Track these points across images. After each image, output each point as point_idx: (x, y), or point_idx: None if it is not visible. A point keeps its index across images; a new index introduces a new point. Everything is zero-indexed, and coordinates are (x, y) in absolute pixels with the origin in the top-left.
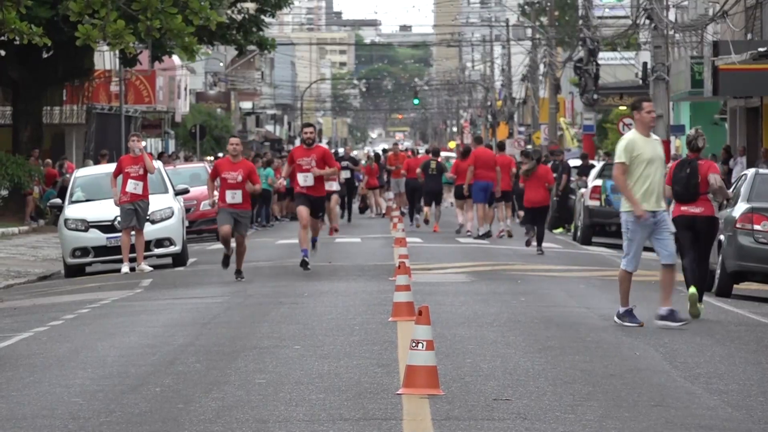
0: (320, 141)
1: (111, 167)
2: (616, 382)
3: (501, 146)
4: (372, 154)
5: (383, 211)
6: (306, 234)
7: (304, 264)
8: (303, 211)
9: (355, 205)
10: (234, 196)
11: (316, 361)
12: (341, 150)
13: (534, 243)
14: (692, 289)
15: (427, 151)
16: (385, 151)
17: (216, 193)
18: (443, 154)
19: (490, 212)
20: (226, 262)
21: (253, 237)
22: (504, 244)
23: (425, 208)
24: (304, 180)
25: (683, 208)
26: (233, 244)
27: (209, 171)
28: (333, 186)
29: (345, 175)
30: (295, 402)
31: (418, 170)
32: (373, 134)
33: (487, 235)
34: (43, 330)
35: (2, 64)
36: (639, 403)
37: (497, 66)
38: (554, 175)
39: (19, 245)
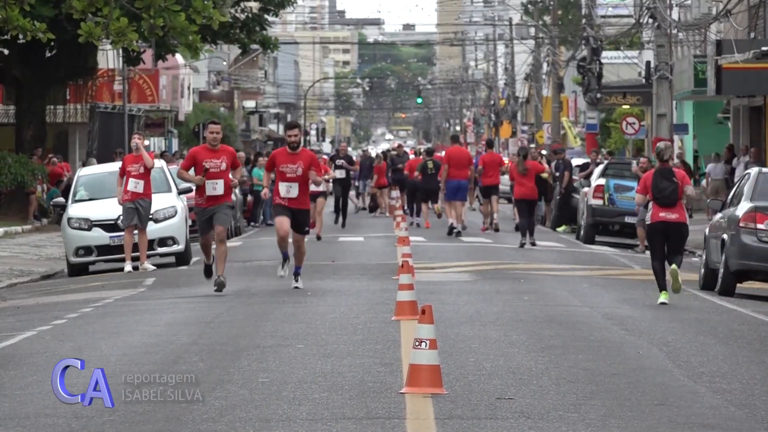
0: (323, 140)
1: (114, 166)
2: (619, 381)
3: (490, 144)
4: (380, 153)
5: (387, 212)
6: (286, 243)
7: (285, 260)
8: (283, 222)
9: (352, 206)
10: (215, 187)
11: (319, 360)
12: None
13: (526, 241)
14: (663, 297)
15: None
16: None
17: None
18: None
19: (461, 210)
20: (207, 273)
21: (255, 236)
22: (506, 243)
23: (423, 207)
24: (287, 190)
25: (662, 214)
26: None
27: None
28: (319, 186)
29: (339, 174)
30: (298, 401)
31: (416, 173)
32: (391, 135)
33: (457, 233)
34: (47, 329)
35: (5, 63)
36: (642, 402)
37: (500, 65)
38: (557, 174)
39: (22, 244)
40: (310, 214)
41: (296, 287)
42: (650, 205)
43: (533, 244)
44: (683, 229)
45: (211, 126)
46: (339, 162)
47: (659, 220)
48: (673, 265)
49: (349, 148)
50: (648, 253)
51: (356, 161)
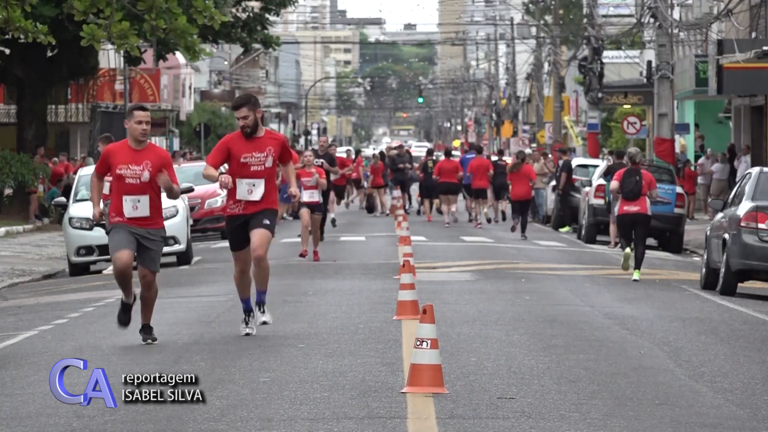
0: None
1: None
2: (621, 380)
3: (479, 150)
4: (377, 153)
5: (388, 211)
6: (247, 281)
7: (248, 313)
8: (243, 256)
9: (351, 206)
10: (136, 206)
11: (320, 360)
12: (308, 147)
13: (519, 229)
14: (628, 250)
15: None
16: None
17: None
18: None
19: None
20: (124, 316)
21: None
22: (507, 243)
23: (425, 203)
24: (248, 190)
25: (626, 207)
26: (136, 288)
27: None
28: (314, 196)
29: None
30: (300, 400)
31: (418, 172)
32: (389, 137)
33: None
34: (48, 328)
35: (7, 63)
36: (643, 402)
37: (502, 64)
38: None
39: (23, 244)
40: (277, 214)
41: (264, 322)
42: (619, 199)
43: (525, 238)
44: (645, 219)
45: (137, 113)
46: (318, 162)
47: (624, 212)
48: (627, 249)
49: (351, 148)
50: (618, 248)
51: (357, 164)
